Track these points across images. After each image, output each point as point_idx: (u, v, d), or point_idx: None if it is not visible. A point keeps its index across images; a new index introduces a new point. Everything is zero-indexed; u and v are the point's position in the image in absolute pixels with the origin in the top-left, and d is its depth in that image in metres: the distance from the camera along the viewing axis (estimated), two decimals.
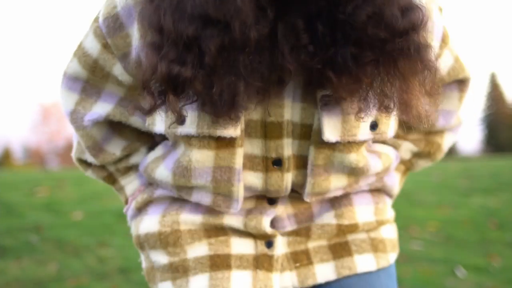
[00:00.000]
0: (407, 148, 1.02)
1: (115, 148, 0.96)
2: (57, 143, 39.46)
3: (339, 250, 0.93)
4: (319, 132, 0.80)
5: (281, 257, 0.90)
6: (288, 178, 0.85)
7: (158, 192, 0.93)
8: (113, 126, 0.95)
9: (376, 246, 0.96)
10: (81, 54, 0.87)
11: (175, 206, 0.91)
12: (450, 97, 0.98)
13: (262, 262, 0.89)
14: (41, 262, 3.64)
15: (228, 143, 0.80)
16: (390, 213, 1.00)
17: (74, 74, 0.89)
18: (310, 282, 0.91)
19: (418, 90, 0.76)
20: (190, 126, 0.78)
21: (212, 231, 0.90)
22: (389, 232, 1.00)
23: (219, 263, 0.88)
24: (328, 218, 0.92)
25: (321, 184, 0.86)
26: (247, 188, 0.86)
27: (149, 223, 0.91)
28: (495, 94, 46.41)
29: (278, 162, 0.83)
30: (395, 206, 4.74)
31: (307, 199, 0.87)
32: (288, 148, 0.83)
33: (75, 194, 5.86)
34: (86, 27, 0.89)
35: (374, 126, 0.82)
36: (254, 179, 0.85)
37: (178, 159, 0.84)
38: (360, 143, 0.83)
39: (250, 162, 0.84)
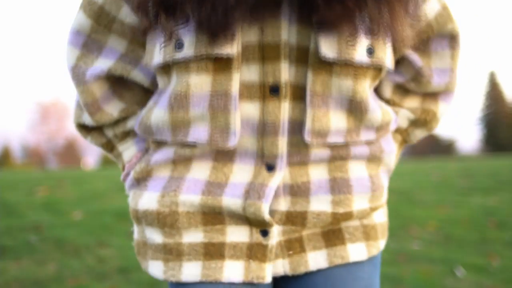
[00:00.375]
0: (404, 115, 1.02)
1: (113, 109, 0.97)
2: (56, 143, 39.45)
3: (332, 238, 0.93)
4: (316, 53, 0.81)
5: (275, 246, 0.90)
6: (285, 109, 0.84)
7: (155, 158, 0.92)
8: (113, 86, 0.96)
9: (368, 234, 0.96)
10: (86, 3, 0.90)
11: (173, 184, 0.90)
12: (443, 55, 0.99)
13: (255, 252, 0.88)
14: (41, 262, 3.64)
15: (225, 65, 0.81)
16: (384, 198, 0.98)
17: (78, 27, 0.91)
18: (302, 269, 0.91)
19: (403, 16, 0.82)
20: (188, 49, 0.80)
21: (210, 216, 0.88)
22: (381, 216, 0.99)
23: (213, 252, 0.88)
24: (324, 205, 0.90)
25: (321, 120, 0.85)
26: (245, 123, 0.85)
27: (148, 201, 0.91)
28: (494, 93, 46.45)
29: (275, 90, 0.84)
30: (394, 205, 4.76)
31: (307, 138, 0.85)
32: (285, 72, 0.83)
33: (75, 194, 5.86)
34: None
35: (370, 51, 0.83)
36: (251, 109, 0.85)
37: (174, 89, 0.85)
38: (358, 69, 0.83)
39: (248, 91, 0.84)
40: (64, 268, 3.52)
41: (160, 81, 0.90)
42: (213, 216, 0.89)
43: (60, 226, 4.47)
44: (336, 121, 0.87)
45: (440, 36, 0.97)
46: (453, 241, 4.31)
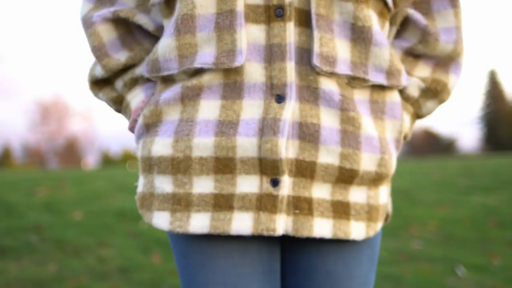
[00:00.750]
0: (415, 83, 1.02)
1: (120, 55, 0.99)
2: (57, 143, 39.47)
3: (340, 210, 0.92)
4: None
5: (285, 199, 0.88)
6: (291, 31, 0.86)
7: (164, 96, 0.91)
8: (122, 37, 1.00)
9: (371, 215, 0.95)
10: None
11: (186, 128, 0.88)
12: (446, 15, 1.01)
13: (265, 203, 0.86)
14: (41, 262, 3.64)
15: None
16: (392, 168, 0.97)
17: None
18: (305, 233, 0.88)
19: None
20: None
21: (221, 163, 0.87)
22: (384, 196, 0.99)
23: (222, 203, 0.87)
24: (332, 157, 0.89)
25: (328, 44, 0.87)
26: (252, 47, 0.86)
27: (162, 147, 0.89)
28: (495, 92, 46.44)
29: (280, 12, 0.85)
30: (395, 205, 4.75)
31: (316, 62, 0.86)
32: None
33: (75, 194, 5.86)
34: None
35: None
36: (257, 32, 0.86)
37: (180, 12, 0.87)
38: None
39: (253, 13, 0.86)
40: (65, 268, 3.52)
41: (165, 17, 0.93)
42: (225, 163, 0.86)
43: (61, 226, 4.47)
44: (342, 48, 0.89)
45: None
46: (453, 240, 4.31)
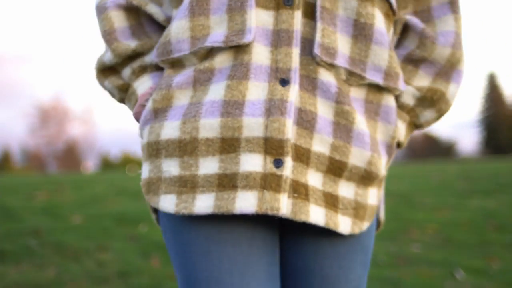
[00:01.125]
0: (409, 92, 1.03)
1: (130, 42, 1.01)
2: (56, 147, 39.47)
3: (330, 202, 0.94)
4: None
5: (288, 180, 0.88)
6: (298, 19, 0.90)
7: (176, 80, 0.93)
8: (131, 23, 1.02)
9: (357, 211, 0.97)
10: None
11: (193, 110, 0.90)
12: (446, 20, 1.04)
13: (270, 182, 0.87)
14: (40, 266, 3.64)
15: None
16: (381, 169, 0.99)
17: None
18: (303, 218, 0.89)
19: None
20: None
21: (227, 142, 0.88)
22: (374, 198, 1.00)
23: (225, 182, 0.87)
24: (324, 147, 0.92)
25: (330, 36, 0.91)
26: (260, 30, 0.89)
27: (171, 130, 0.90)
28: (494, 95, 46.48)
29: (288, 1, 0.90)
30: (394, 208, 4.75)
31: (317, 51, 0.90)
32: None
33: (74, 198, 5.86)
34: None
35: None
36: (266, 17, 0.90)
37: None
38: None
39: (263, 0, 0.90)
40: (64, 272, 3.51)
41: (175, 7, 0.96)
42: (230, 143, 0.87)
43: (60, 230, 4.47)
44: (343, 43, 0.93)
45: (439, 3, 1.04)
46: (453, 243, 4.32)
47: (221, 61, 0.90)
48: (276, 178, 0.87)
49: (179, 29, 0.92)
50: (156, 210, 1.03)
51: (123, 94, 1.04)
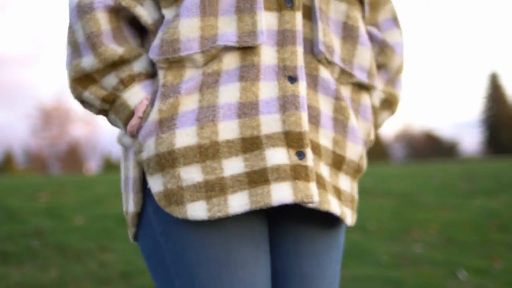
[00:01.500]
0: (377, 95, 1.12)
1: (115, 46, 0.95)
2: (59, 148, 39.50)
3: (337, 194, 0.99)
4: None
5: (313, 170, 0.92)
6: (300, 19, 0.94)
7: (185, 86, 0.90)
8: (113, 26, 0.96)
9: (353, 204, 1.04)
10: None
11: (209, 114, 0.89)
12: (393, 33, 1.14)
13: (299, 172, 0.89)
14: (43, 267, 3.65)
15: None
16: (363, 168, 1.06)
17: None
18: (326, 207, 0.93)
19: None
20: None
21: (248, 141, 0.89)
22: (356, 192, 1.07)
23: (256, 178, 0.88)
24: (328, 141, 0.97)
25: (329, 35, 0.98)
26: (266, 31, 0.93)
27: (186, 136, 0.88)
28: (496, 95, 46.41)
29: (289, 2, 0.94)
30: (396, 208, 4.74)
31: (321, 47, 0.96)
32: None
33: (77, 199, 5.87)
34: None
35: None
36: (271, 18, 0.93)
37: None
38: None
39: (267, 1, 0.93)
40: (66, 273, 3.52)
41: (167, 7, 0.94)
42: (251, 141, 0.89)
43: (62, 231, 4.47)
44: (336, 43, 1.00)
45: (385, 18, 1.13)
46: (455, 243, 4.31)
47: (229, 62, 0.91)
48: (304, 169, 0.90)
49: (190, 27, 0.91)
50: (137, 224, 0.99)
51: (106, 105, 0.96)
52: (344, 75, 1.01)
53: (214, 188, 0.88)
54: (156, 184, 0.91)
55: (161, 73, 0.92)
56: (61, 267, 3.64)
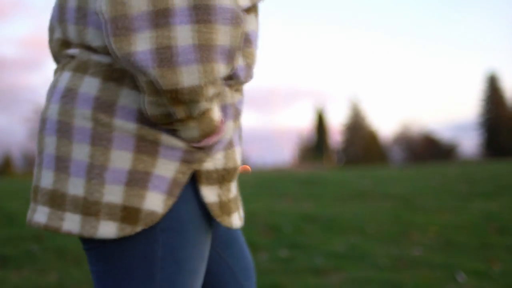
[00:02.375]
0: None
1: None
2: None
3: None
4: None
5: None
6: None
7: (240, 105, 1.01)
8: None
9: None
10: None
11: (234, 139, 1.02)
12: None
13: None
14: (42, 271, 3.64)
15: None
16: None
17: None
18: None
19: None
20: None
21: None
22: None
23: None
24: None
25: None
26: None
27: (238, 155, 1.03)
28: (494, 97, 46.48)
29: None
30: (395, 211, 4.71)
31: None
32: None
33: None
34: None
35: None
36: None
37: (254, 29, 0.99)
38: None
39: None
40: (66, 277, 3.52)
41: None
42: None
43: (61, 235, 4.47)
44: None
45: None
46: (453, 246, 4.32)
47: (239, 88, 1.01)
48: None
49: (255, 56, 1.00)
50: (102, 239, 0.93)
51: (201, 114, 0.89)
52: None
53: (237, 202, 1.05)
54: (211, 194, 0.97)
55: (229, 93, 0.97)
56: (60, 271, 3.64)
